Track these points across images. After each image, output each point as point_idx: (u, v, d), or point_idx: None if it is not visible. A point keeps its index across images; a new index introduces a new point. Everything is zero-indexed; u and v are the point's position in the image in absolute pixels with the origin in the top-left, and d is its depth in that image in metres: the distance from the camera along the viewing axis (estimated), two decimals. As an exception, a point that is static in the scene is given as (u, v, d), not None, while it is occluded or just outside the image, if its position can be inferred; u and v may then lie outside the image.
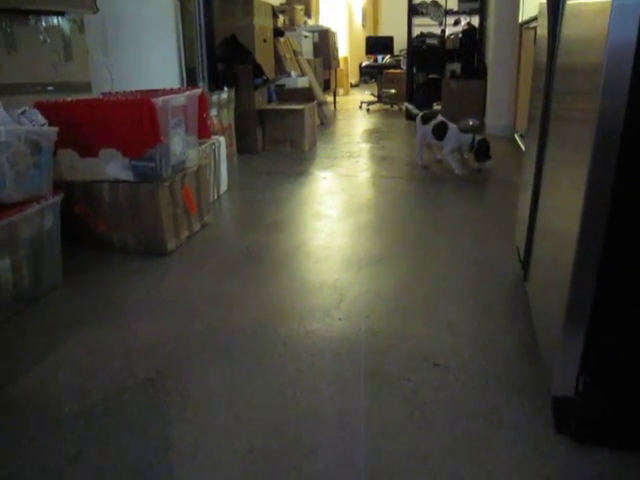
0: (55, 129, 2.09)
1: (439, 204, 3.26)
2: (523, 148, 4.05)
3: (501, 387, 1.47)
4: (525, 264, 1.90)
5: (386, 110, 7.95)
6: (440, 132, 4.01)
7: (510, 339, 1.71)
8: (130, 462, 1.24)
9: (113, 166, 2.40)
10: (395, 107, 7.93)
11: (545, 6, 1.67)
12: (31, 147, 1.98)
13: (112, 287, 2.16)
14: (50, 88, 2.67)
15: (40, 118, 2.13)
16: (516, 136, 4.97)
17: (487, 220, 2.90)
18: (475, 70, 6.33)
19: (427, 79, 6.54)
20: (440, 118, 4.10)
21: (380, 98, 8.27)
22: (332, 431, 1.33)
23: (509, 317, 1.85)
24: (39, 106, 2.24)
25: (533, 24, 3.98)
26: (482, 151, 3.89)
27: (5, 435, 1.33)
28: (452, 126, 4.00)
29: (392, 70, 8.55)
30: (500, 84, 5.44)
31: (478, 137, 3.91)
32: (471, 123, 5.67)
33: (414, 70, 6.63)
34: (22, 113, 2.08)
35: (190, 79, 4.45)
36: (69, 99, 2.49)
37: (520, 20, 4.90)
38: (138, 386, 1.51)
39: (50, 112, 2.22)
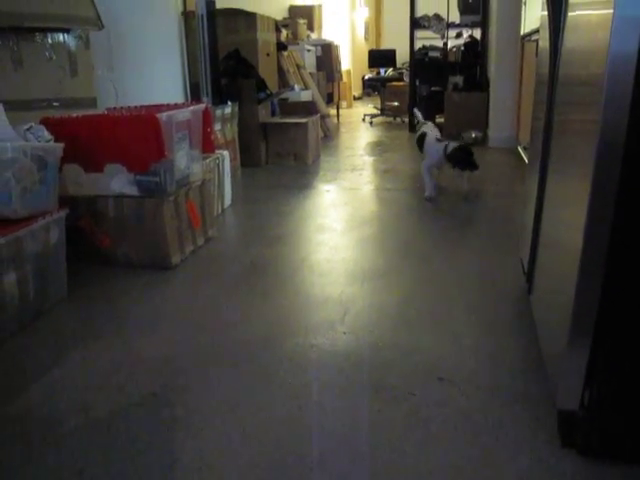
0: (61, 145, 2.10)
1: (443, 216, 3.26)
2: (526, 160, 4.06)
3: (506, 401, 1.46)
4: (529, 276, 1.89)
5: (389, 123, 7.98)
6: (421, 142, 3.78)
7: (515, 352, 1.70)
8: (135, 478, 1.24)
9: (118, 181, 2.41)
10: (398, 119, 7.96)
11: (546, 18, 1.68)
12: (37, 163, 1.99)
13: (116, 301, 2.16)
14: (56, 104, 2.69)
15: (46, 134, 2.15)
16: (519, 148, 4.98)
17: (491, 232, 2.90)
18: (477, 82, 6.36)
19: (430, 92, 6.57)
20: (423, 129, 3.86)
21: (383, 111, 8.30)
22: (337, 446, 1.32)
23: (513, 330, 1.85)
24: (45, 122, 2.26)
25: (535, 37, 3.99)
26: (459, 158, 3.39)
27: (9, 450, 1.33)
28: (431, 136, 3.67)
29: (395, 83, 8.59)
30: (502, 96, 5.46)
31: (453, 144, 3.44)
32: (474, 135, 5.71)
33: (417, 83, 6.66)
34: (28, 129, 2.10)
35: (194, 94, 4.48)
36: (74, 115, 2.51)
37: (522, 33, 4.93)
38: (142, 401, 1.51)
39: (56, 128, 2.24)
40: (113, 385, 1.59)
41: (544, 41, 1.84)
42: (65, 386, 1.60)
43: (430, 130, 3.76)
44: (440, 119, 6.51)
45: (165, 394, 1.54)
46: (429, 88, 6.58)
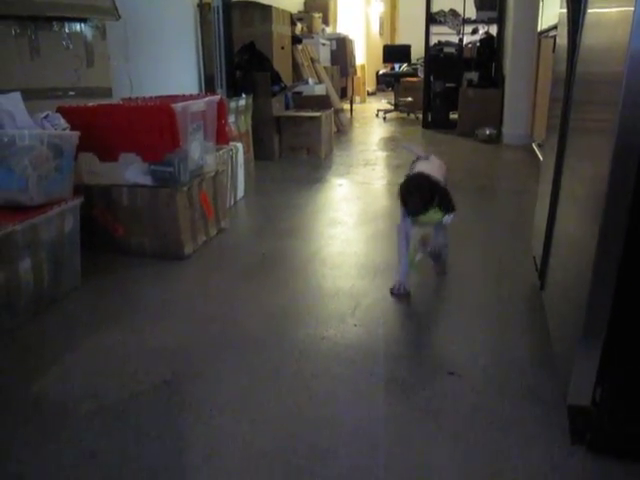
0: (77, 133, 2.12)
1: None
2: (541, 157, 4.03)
3: (516, 396, 1.46)
4: (542, 273, 1.89)
5: (403, 118, 7.96)
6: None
7: (526, 348, 1.70)
8: (145, 462, 1.25)
9: (132, 170, 2.42)
10: (412, 115, 7.93)
11: (565, 15, 1.67)
12: (53, 151, 2.01)
13: (129, 290, 2.18)
14: (72, 93, 2.71)
15: (62, 122, 2.16)
16: (534, 145, 4.94)
17: (504, 228, 2.89)
18: (493, 79, 6.32)
19: (444, 88, 6.54)
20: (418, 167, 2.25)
21: (397, 106, 8.28)
22: (346, 437, 1.33)
23: (525, 326, 1.84)
24: (61, 110, 2.27)
25: (552, 33, 3.96)
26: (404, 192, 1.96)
27: (24, 433, 1.35)
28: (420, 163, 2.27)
29: (409, 78, 8.57)
30: (518, 93, 5.43)
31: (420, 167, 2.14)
32: (488, 132, 5.68)
33: (431, 79, 6.64)
34: (45, 117, 2.12)
35: (209, 86, 4.49)
36: (90, 104, 2.53)
37: (539, 29, 4.89)
38: (154, 388, 1.52)
39: (72, 116, 2.25)
40: (125, 372, 1.61)
41: (562, 38, 1.83)
42: (78, 372, 1.62)
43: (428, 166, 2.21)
44: (454, 115, 6.49)
45: (176, 382, 1.55)
46: (444, 84, 6.55)
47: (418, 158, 2.34)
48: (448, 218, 1.99)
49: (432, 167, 2.19)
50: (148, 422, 1.39)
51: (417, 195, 1.92)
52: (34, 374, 1.60)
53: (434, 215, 1.96)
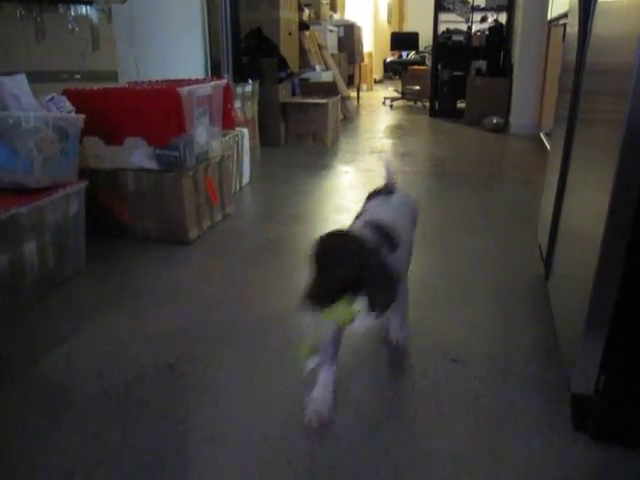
0: (82, 116, 2.12)
1: (460, 201, 3.24)
2: (548, 147, 4.01)
3: (519, 384, 1.46)
4: (547, 262, 1.89)
5: (410, 107, 7.92)
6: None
7: (530, 336, 1.70)
8: (148, 444, 1.26)
9: (137, 154, 2.42)
10: (419, 104, 7.88)
11: (576, 3, 1.65)
12: (58, 133, 2.00)
13: (134, 274, 2.19)
14: (77, 76, 2.69)
15: (67, 105, 2.16)
16: (541, 135, 4.91)
17: (509, 217, 2.88)
18: (501, 68, 6.27)
19: (452, 76, 6.49)
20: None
21: (404, 94, 8.23)
22: (349, 421, 1.34)
23: (529, 315, 1.84)
24: (67, 94, 2.27)
25: (562, 21, 3.92)
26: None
27: (29, 414, 1.36)
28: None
29: (417, 66, 8.50)
30: (526, 82, 5.39)
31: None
32: (495, 121, 5.65)
33: (439, 67, 6.59)
34: (50, 100, 2.11)
35: (215, 71, 4.46)
36: (96, 87, 2.52)
37: (549, 17, 4.84)
38: (158, 371, 1.53)
39: (77, 100, 2.24)
40: (129, 355, 1.61)
41: (572, 26, 1.81)
42: (82, 355, 1.62)
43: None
44: (461, 104, 6.45)
45: (180, 365, 1.56)
46: (451, 72, 6.50)
47: (385, 187, 1.67)
48: (362, 322, 1.21)
49: (395, 216, 1.50)
50: (151, 405, 1.39)
51: (327, 272, 1.21)
52: (38, 356, 1.61)
53: (341, 312, 1.19)
